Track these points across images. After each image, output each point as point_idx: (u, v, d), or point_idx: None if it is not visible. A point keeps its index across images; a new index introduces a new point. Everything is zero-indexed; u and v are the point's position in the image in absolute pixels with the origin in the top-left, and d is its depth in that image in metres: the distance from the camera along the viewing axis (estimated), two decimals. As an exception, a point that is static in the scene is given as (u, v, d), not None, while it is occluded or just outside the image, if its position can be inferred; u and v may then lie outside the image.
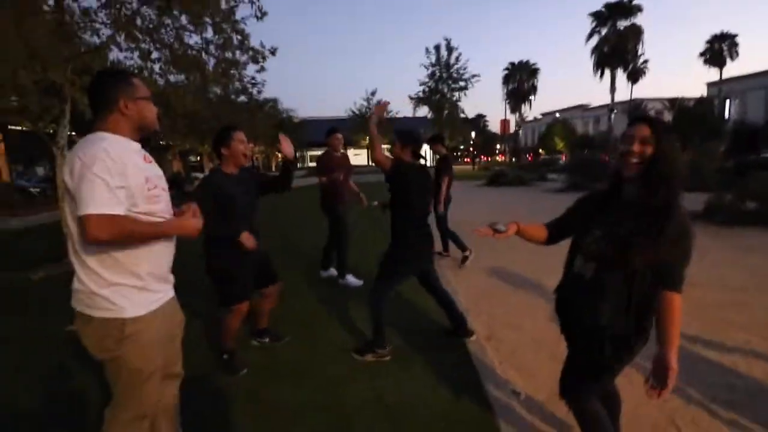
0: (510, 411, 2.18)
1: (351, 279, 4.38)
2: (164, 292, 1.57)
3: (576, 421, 1.67)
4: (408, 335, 3.10)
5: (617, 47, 34.20)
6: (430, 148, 5.30)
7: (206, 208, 2.37)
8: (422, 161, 4.40)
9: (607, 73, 35.87)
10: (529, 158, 43.86)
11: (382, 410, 2.22)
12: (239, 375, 2.61)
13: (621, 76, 35.65)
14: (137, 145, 1.51)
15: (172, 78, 6.89)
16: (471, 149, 50.06)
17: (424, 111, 27.84)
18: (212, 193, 2.46)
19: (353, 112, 30.59)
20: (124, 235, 1.32)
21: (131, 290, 1.41)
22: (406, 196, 2.73)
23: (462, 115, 28.14)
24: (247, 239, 2.49)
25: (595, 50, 36.06)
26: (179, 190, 17.02)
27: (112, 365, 1.44)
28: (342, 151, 4.58)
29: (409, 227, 2.76)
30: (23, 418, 2.25)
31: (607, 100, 35.93)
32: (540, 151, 46.19)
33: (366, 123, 3.31)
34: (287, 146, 2.58)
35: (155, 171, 1.54)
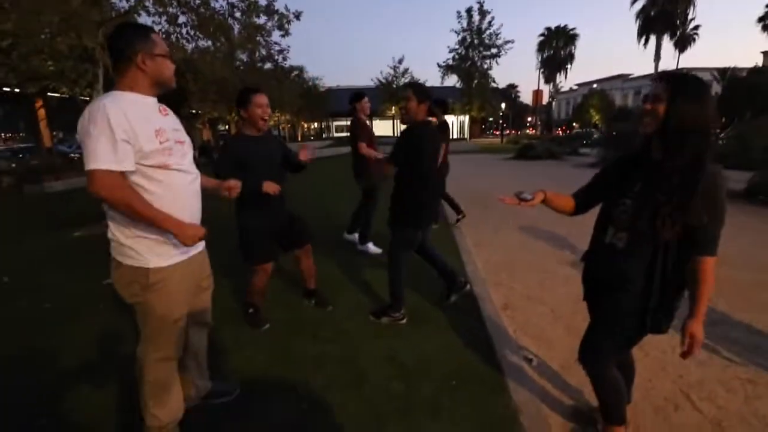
0: (522, 375, 2.22)
1: (371, 247, 4.45)
2: (191, 245, 1.63)
3: (592, 385, 1.68)
4: (424, 298, 3.16)
5: (665, 11, 31.64)
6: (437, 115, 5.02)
7: (224, 171, 2.44)
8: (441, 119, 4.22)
9: (653, 39, 33.45)
10: (562, 131, 42.08)
11: (396, 367, 2.31)
12: (261, 329, 2.75)
13: (667, 43, 33.22)
14: (153, 99, 1.53)
15: (200, 44, 6.95)
16: (501, 121, 48.50)
17: (452, 80, 26.96)
18: (232, 156, 2.50)
19: (380, 81, 29.93)
20: (121, 201, 1.36)
21: (155, 242, 1.49)
22: (419, 157, 2.57)
23: (493, 85, 27.05)
24: (270, 186, 2.51)
25: (641, 14, 33.49)
26: (209, 158, 17.46)
27: (139, 309, 1.56)
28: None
29: (421, 188, 2.65)
30: (68, 357, 2.48)
31: (650, 69, 33.64)
32: (574, 124, 44.18)
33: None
34: (305, 154, 2.67)
35: (170, 123, 1.56)
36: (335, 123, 40.48)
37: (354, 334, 2.69)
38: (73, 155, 17.68)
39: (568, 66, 43.00)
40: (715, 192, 1.29)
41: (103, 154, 1.32)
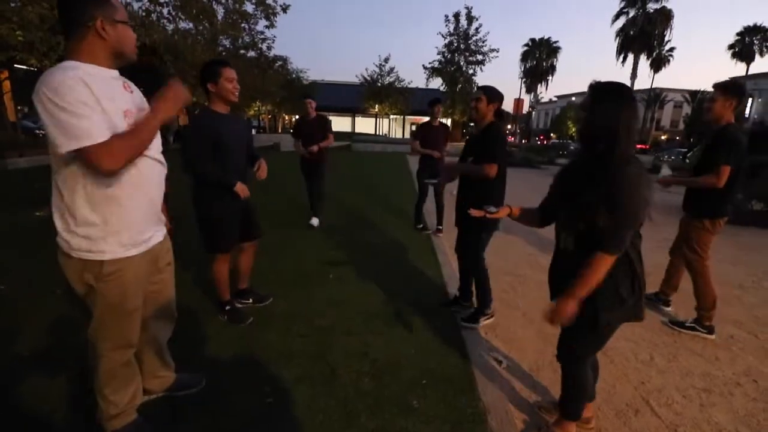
0: (492, 376, 2.25)
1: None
2: (153, 232, 1.55)
3: (562, 380, 1.75)
4: (400, 298, 3.16)
5: (644, 31, 32.90)
6: (436, 112, 4.96)
7: (195, 149, 2.32)
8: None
9: (630, 58, 34.72)
10: (540, 141, 43.16)
11: (368, 364, 2.30)
12: (246, 323, 2.67)
13: (644, 63, 34.79)
14: (114, 72, 1.40)
15: (181, 25, 6.72)
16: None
17: (437, 83, 27.13)
18: (204, 135, 2.33)
19: (365, 78, 29.83)
20: (131, 157, 1.29)
21: (109, 233, 1.37)
22: (505, 155, 2.62)
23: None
24: (242, 189, 2.46)
25: (621, 32, 34.76)
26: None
27: (91, 299, 1.45)
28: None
29: (500, 187, 2.64)
30: (21, 341, 2.34)
31: (626, 87, 34.87)
32: (552, 134, 45.35)
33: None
34: (262, 174, 2.61)
35: (136, 102, 1.44)
36: (319, 117, 40.00)
37: (327, 330, 2.66)
38: (38, 131, 16.74)
39: (550, 77, 44.05)
40: (623, 191, 1.34)
41: (92, 127, 1.20)
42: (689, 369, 2.45)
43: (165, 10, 5.97)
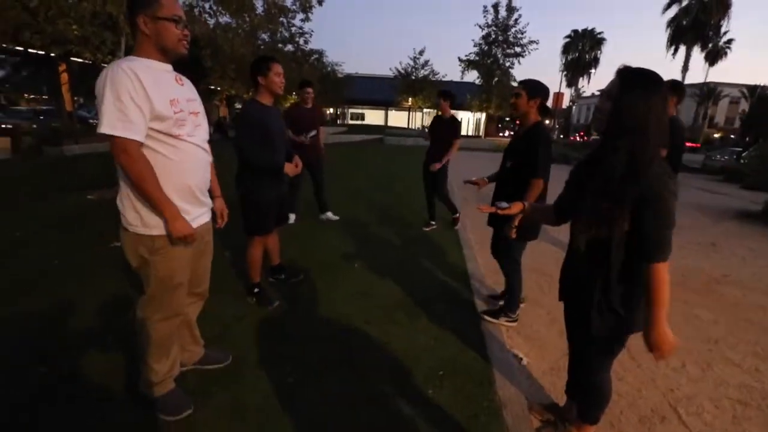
0: (510, 373, 2.23)
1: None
2: (196, 214, 1.67)
3: (587, 390, 1.68)
4: (423, 291, 3.18)
5: (698, 21, 30.56)
6: (440, 105, 4.81)
7: (248, 137, 2.47)
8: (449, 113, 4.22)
9: (682, 49, 32.44)
10: (580, 137, 41.41)
11: (388, 352, 2.35)
12: (272, 306, 2.79)
13: (698, 55, 32.31)
14: (168, 66, 1.53)
15: (222, 20, 6.95)
16: (517, 121, 47.75)
17: (472, 76, 26.53)
18: (256, 124, 2.49)
19: (398, 71, 29.64)
20: (134, 172, 1.39)
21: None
22: (546, 165, 2.43)
23: (513, 84, 26.57)
24: (291, 169, 2.61)
25: (672, 22, 32.47)
26: (223, 135, 17.58)
27: (144, 272, 1.60)
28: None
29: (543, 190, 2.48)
30: (71, 312, 2.56)
31: (677, 80, 32.69)
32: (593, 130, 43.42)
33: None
34: (292, 169, 2.65)
35: (185, 93, 1.56)
36: (351, 110, 40.28)
37: (349, 317, 2.72)
38: (92, 121, 17.92)
39: (592, 70, 42.14)
40: (655, 193, 1.22)
41: (117, 121, 1.34)
42: (724, 379, 2.33)
43: (207, 5, 6.19)
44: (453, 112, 4.89)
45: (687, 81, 32.77)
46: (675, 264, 3.83)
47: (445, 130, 4.78)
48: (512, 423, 1.85)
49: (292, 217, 4.99)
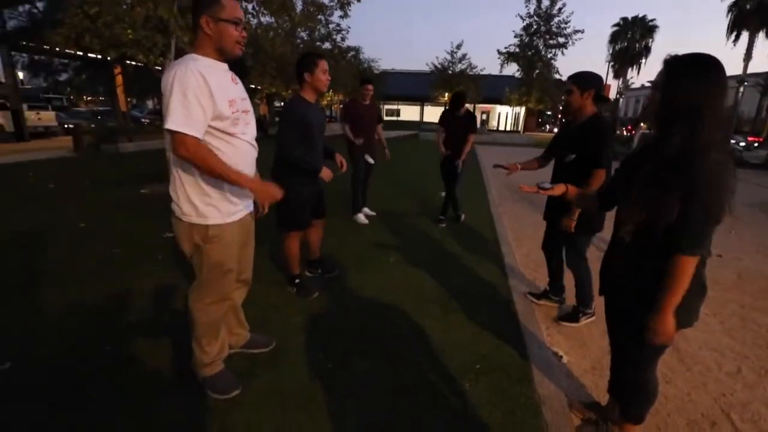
0: (549, 370, 2.19)
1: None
2: (244, 205, 1.78)
3: (631, 388, 1.63)
4: (459, 286, 3.17)
5: (763, 5, 27.95)
6: (456, 103, 4.77)
7: (289, 134, 2.53)
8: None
9: (744, 36, 29.79)
10: (628, 131, 39.21)
11: (422, 345, 2.37)
12: (312, 297, 2.89)
13: (762, 41, 29.53)
14: (225, 66, 1.61)
15: (263, 20, 7.17)
16: (559, 115, 45.98)
17: (512, 69, 25.76)
18: (299, 121, 2.53)
19: (435, 66, 29.27)
20: (204, 163, 1.47)
21: (215, 201, 1.63)
22: (608, 156, 2.33)
23: (556, 76, 25.47)
24: (327, 174, 2.65)
25: (734, 6, 29.89)
26: (263, 133, 18.14)
27: (197, 259, 1.71)
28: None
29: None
30: (131, 297, 2.78)
31: (738, 70, 30.02)
32: (642, 124, 40.98)
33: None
34: (327, 175, 2.69)
35: (240, 93, 1.65)
36: (386, 106, 40.27)
37: (385, 310, 2.77)
38: (143, 120, 19.11)
39: (643, 60, 39.58)
40: (704, 183, 1.15)
41: (182, 117, 1.41)
42: (786, 387, 2.17)
43: (249, 6, 6.40)
44: (488, 106, 4.86)
45: (750, 70, 30.10)
46: (731, 265, 3.60)
47: (461, 124, 4.75)
48: (551, 420, 1.82)
49: (364, 213, 4.95)
